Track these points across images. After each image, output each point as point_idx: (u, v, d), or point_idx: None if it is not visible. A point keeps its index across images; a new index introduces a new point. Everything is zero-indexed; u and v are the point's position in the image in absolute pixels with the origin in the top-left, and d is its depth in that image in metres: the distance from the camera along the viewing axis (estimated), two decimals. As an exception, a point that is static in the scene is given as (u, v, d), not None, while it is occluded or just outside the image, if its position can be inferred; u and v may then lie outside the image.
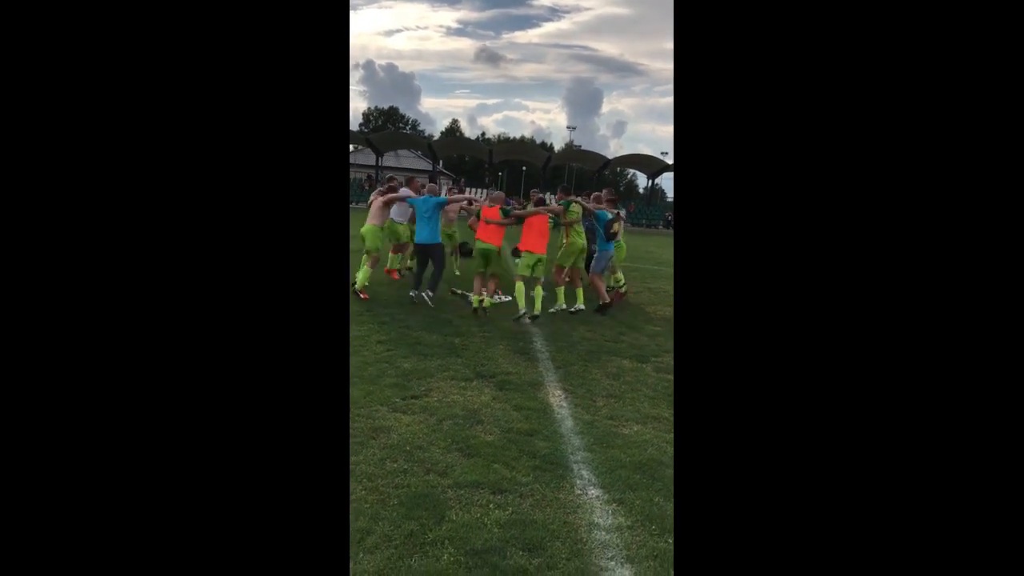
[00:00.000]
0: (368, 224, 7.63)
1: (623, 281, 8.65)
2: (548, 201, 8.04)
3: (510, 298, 7.62)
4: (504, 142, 62.43)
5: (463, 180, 46.18)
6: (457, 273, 9.70)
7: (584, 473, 3.17)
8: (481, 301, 6.83)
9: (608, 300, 7.69)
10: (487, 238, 6.90)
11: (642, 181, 54.34)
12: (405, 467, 3.07)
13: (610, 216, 7.61)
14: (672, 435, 3.60)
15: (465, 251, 9.32)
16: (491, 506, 2.75)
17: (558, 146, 65.39)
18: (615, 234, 7.76)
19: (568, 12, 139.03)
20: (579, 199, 7.75)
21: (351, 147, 44.42)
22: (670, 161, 38.90)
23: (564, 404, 4.23)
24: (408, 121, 76.33)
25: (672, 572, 2.31)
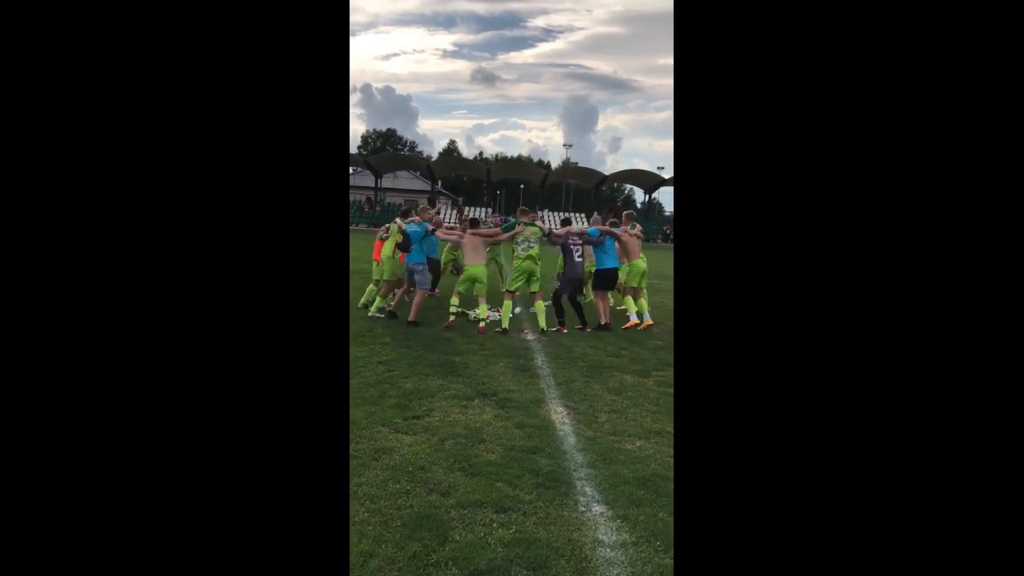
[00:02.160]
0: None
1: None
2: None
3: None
4: (502, 161, 62.65)
5: (462, 199, 46.36)
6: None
7: (587, 490, 3.15)
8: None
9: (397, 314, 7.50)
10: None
11: (639, 196, 54.53)
12: (408, 488, 3.05)
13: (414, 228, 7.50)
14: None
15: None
16: (494, 525, 2.73)
17: (555, 163, 65.90)
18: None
19: (562, 32, 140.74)
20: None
21: (350, 169, 44.73)
22: (666, 175, 39.04)
23: (566, 421, 4.21)
24: (406, 142, 76.94)
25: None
